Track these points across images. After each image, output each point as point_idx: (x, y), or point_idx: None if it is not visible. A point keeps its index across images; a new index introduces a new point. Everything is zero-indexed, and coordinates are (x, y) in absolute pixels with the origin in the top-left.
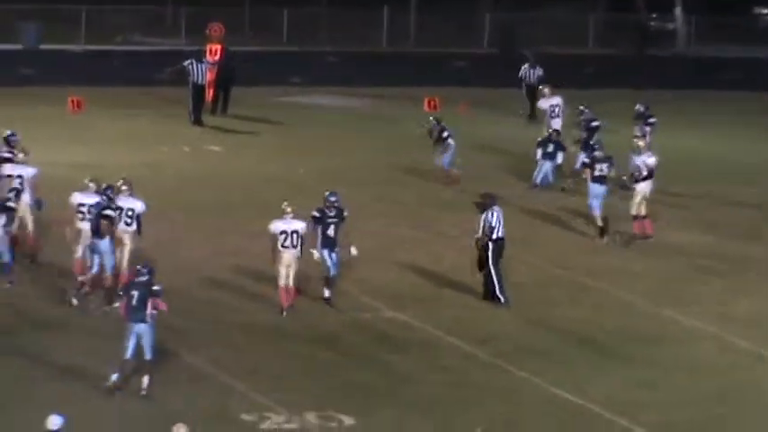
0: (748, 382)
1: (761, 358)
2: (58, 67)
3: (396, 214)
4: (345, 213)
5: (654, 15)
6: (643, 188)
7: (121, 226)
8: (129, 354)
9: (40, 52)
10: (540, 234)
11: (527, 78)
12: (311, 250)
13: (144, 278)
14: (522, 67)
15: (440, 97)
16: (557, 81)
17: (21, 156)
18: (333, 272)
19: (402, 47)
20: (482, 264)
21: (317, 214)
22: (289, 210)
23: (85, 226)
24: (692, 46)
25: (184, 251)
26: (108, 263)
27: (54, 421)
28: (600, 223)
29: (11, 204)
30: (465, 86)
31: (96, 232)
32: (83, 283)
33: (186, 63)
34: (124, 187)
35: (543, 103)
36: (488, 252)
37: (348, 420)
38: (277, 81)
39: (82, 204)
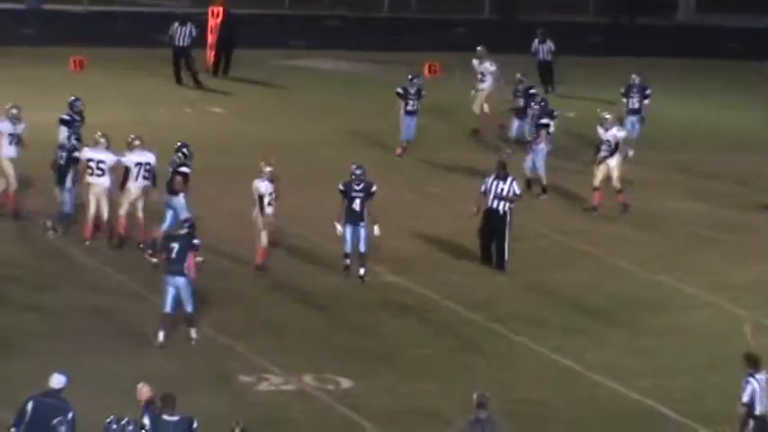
0: (744, 349)
1: (757, 326)
2: (61, 27)
3: (393, 178)
4: (373, 189)
5: None
6: (611, 161)
7: (140, 180)
8: (168, 308)
9: (42, 12)
10: (537, 200)
11: (539, 54)
12: (335, 223)
13: (185, 231)
14: (534, 43)
15: (440, 63)
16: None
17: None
18: (363, 248)
19: (403, 12)
20: (486, 231)
21: (341, 187)
22: (268, 169)
23: (95, 180)
24: (694, 14)
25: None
26: (182, 216)
27: (57, 380)
28: (545, 182)
29: (77, 155)
30: (465, 52)
31: (171, 188)
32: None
33: (174, 27)
34: (137, 142)
35: (476, 65)
36: (507, 219)
37: (346, 383)
38: (278, 44)
39: (91, 159)
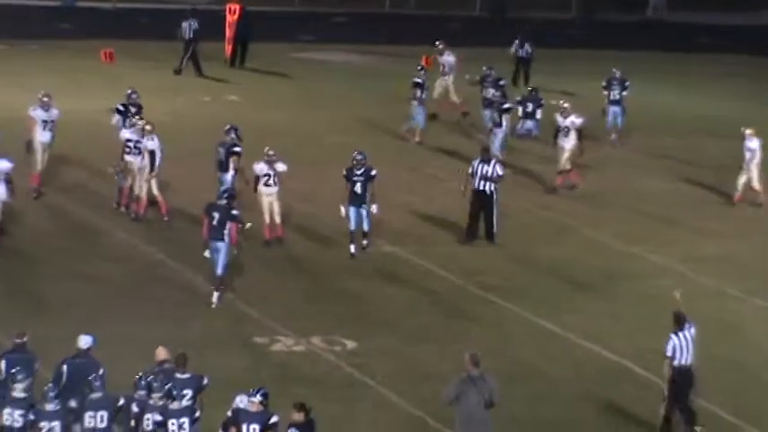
0: (710, 314)
1: (722, 293)
2: (93, 22)
3: (394, 160)
4: (373, 172)
5: None
6: (566, 144)
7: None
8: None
9: (76, 9)
10: (525, 180)
11: (518, 52)
12: (340, 206)
13: (224, 201)
14: (514, 42)
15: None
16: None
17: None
18: (366, 227)
19: (403, 9)
20: (474, 208)
21: (344, 172)
22: (271, 152)
23: (132, 159)
24: (665, 12)
25: (201, 193)
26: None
27: (84, 340)
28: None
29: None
30: (459, 46)
31: (222, 166)
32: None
33: (184, 25)
34: (148, 127)
35: (438, 59)
36: (493, 198)
37: (351, 344)
38: (290, 38)
39: (129, 140)
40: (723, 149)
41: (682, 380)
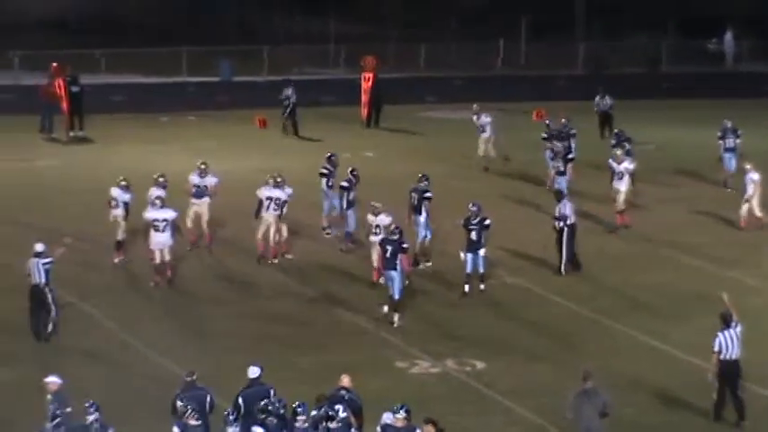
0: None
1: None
2: (247, 93)
3: (510, 202)
4: (487, 222)
5: (714, 40)
6: (621, 187)
7: (271, 211)
8: (390, 291)
9: (233, 83)
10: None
11: (598, 106)
12: (459, 252)
13: (395, 237)
14: (596, 97)
15: (545, 109)
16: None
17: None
18: (481, 269)
19: (514, 70)
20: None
21: (462, 221)
22: (279, 179)
23: (269, 215)
24: (744, 63)
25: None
26: (421, 234)
27: (253, 370)
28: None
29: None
30: (565, 101)
31: (416, 209)
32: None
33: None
34: (279, 179)
35: (475, 119)
36: (563, 234)
37: (480, 365)
38: (416, 100)
39: (269, 198)
40: None
41: (730, 372)
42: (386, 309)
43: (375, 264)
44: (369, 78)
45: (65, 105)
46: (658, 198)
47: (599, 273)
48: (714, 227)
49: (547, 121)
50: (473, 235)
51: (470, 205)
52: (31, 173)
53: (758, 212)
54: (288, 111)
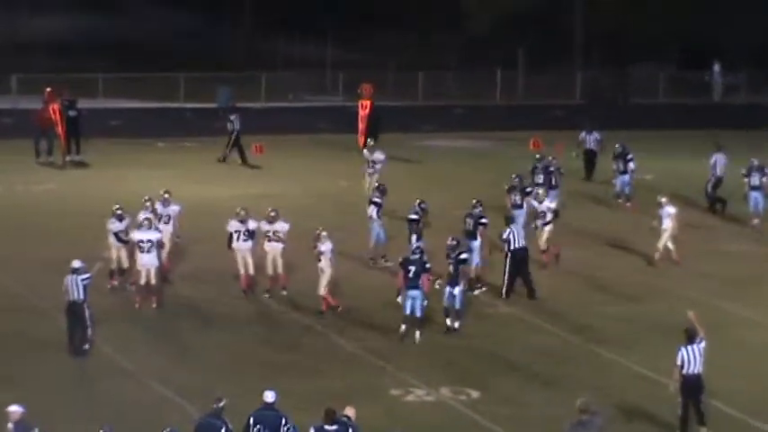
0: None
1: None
2: (245, 120)
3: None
4: (463, 256)
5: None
6: (546, 227)
7: (273, 243)
8: (407, 311)
9: (230, 108)
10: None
11: (586, 143)
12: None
13: (417, 257)
14: (582, 133)
15: (542, 138)
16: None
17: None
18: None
19: (512, 100)
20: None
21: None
22: (242, 212)
23: (240, 245)
24: (732, 95)
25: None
26: (475, 259)
27: (269, 395)
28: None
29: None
30: (561, 130)
31: (471, 235)
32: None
33: (232, 119)
34: (273, 213)
35: (367, 155)
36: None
37: (474, 393)
38: (414, 128)
39: (237, 231)
40: None
41: (691, 386)
42: (403, 328)
43: (242, 270)
44: (366, 106)
45: (60, 130)
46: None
47: (593, 302)
48: (711, 257)
49: (537, 155)
50: (451, 269)
51: (450, 239)
52: (28, 197)
53: (671, 245)
54: (233, 139)
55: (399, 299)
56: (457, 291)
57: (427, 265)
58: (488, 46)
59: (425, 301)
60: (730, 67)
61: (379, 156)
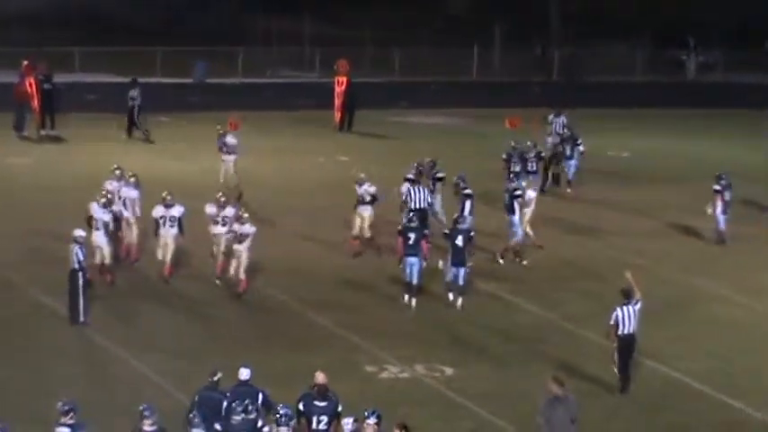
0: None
1: None
2: (220, 95)
3: (484, 207)
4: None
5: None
6: (365, 212)
7: (168, 229)
8: (407, 278)
9: (207, 85)
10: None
11: (555, 126)
12: (439, 261)
13: (416, 224)
14: (550, 116)
15: (518, 116)
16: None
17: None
18: (460, 282)
19: (488, 77)
20: None
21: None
22: (168, 197)
23: (217, 230)
24: (707, 74)
25: (310, 243)
26: (518, 233)
27: (244, 372)
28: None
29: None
30: (538, 107)
31: (510, 209)
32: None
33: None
34: (169, 197)
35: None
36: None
37: (449, 371)
38: (390, 105)
39: (162, 217)
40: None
41: (623, 346)
42: (406, 298)
43: (159, 256)
44: (342, 82)
45: (35, 103)
46: (633, 207)
47: (569, 279)
48: (682, 236)
49: (513, 143)
50: (459, 244)
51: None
52: (2, 170)
53: (528, 230)
54: (135, 113)
55: (401, 266)
56: (462, 272)
57: (426, 231)
58: (465, 22)
59: (423, 264)
60: (705, 45)
61: (231, 140)
